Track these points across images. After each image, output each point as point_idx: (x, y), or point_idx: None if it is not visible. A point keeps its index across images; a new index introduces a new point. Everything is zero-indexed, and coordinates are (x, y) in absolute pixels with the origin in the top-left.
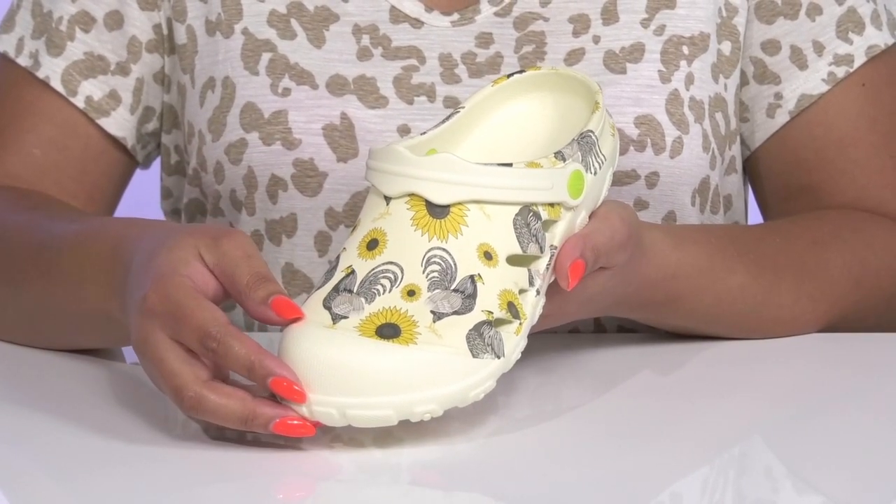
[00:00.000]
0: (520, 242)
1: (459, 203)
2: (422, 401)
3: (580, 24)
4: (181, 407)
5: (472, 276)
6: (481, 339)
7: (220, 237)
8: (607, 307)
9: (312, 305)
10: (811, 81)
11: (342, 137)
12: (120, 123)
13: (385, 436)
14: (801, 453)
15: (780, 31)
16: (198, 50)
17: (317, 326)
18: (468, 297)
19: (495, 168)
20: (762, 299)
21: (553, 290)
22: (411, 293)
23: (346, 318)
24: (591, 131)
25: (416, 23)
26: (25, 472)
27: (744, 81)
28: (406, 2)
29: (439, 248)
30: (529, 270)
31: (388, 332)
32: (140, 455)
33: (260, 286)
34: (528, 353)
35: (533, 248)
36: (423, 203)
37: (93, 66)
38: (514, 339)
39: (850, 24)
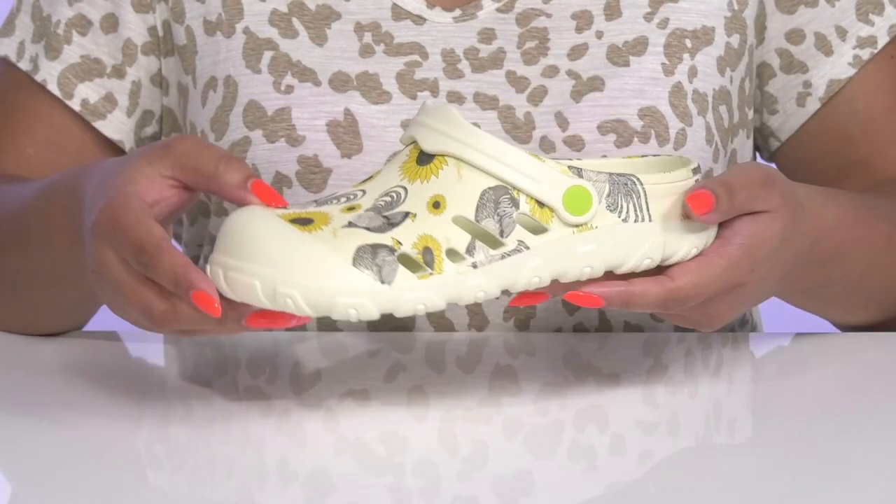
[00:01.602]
0: (476, 211)
1: (442, 154)
2: (285, 282)
3: (583, 19)
4: (152, 321)
5: (407, 213)
6: (372, 256)
7: (170, 141)
8: (788, 273)
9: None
10: (838, 66)
11: (346, 133)
12: (116, 126)
13: (390, 435)
14: (798, 454)
15: (803, 20)
16: (197, 50)
17: (258, 206)
18: (390, 224)
19: (485, 134)
20: None
21: (726, 261)
22: (351, 209)
23: (286, 209)
24: (638, 178)
25: (419, 19)
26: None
27: (770, 74)
28: None
29: (401, 186)
30: (475, 241)
31: (300, 221)
32: (137, 452)
33: (233, 167)
34: (532, 352)
35: (489, 224)
36: (418, 151)
37: (89, 69)
38: (412, 281)
39: (869, 5)
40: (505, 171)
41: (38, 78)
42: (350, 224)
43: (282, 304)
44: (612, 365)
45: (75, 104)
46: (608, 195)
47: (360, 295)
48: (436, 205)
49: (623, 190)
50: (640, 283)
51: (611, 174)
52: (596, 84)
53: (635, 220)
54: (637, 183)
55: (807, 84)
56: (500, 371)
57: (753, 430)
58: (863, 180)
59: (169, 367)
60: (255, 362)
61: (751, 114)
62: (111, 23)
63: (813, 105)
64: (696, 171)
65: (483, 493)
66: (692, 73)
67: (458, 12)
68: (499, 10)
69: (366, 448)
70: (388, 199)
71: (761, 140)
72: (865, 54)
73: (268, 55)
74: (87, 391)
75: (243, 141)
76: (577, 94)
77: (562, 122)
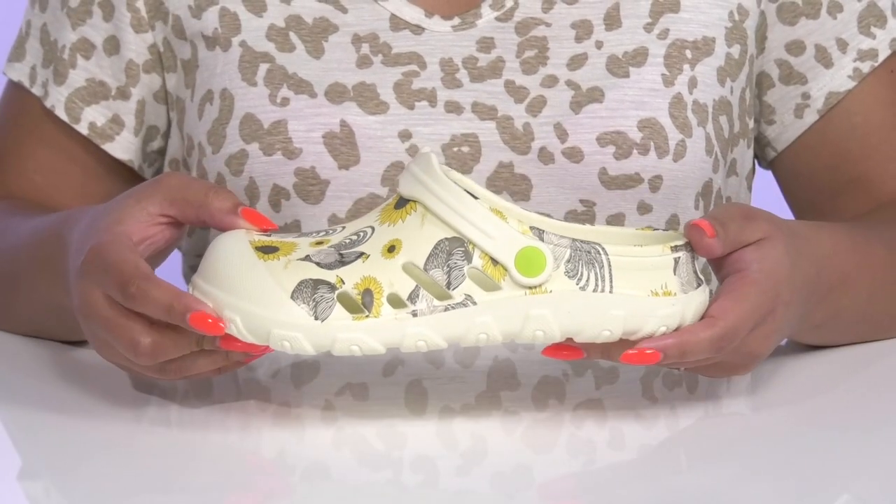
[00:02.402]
0: (427, 259)
1: (413, 200)
2: (231, 306)
3: (582, 29)
4: (139, 354)
5: (361, 253)
6: (311, 291)
7: (158, 178)
8: (804, 303)
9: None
10: (837, 79)
11: (342, 145)
12: (125, 147)
13: (388, 429)
14: (796, 449)
15: (804, 32)
16: (198, 64)
17: (239, 230)
18: (340, 262)
19: (452, 185)
20: None
21: (738, 286)
22: (320, 243)
23: (265, 235)
24: (603, 248)
25: (417, 29)
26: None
27: (769, 84)
28: (406, 8)
29: (370, 226)
30: (419, 289)
31: (265, 249)
32: (136, 444)
33: (221, 195)
34: (530, 346)
35: (437, 275)
36: (398, 197)
37: (94, 92)
38: (346, 321)
39: (871, 18)
40: (460, 223)
41: (48, 104)
42: (307, 257)
43: (227, 326)
44: None
45: (83, 128)
46: (568, 260)
47: (294, 328)
48: (391, 248)
49: (585, 257)
50: (688, 331)
51: (574, 239)
52: (595, 95)
53: (595, 290)
54: (601, 252)
55: (805, 95)
56: (499, 366)
57: (751, 425)
58: (861, 196)
59: None
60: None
61: (751, 123)
62: (113, 45)
63: (811, 117)
64: (677, 248)
65: (482, 488)
66: (692, 83)
67: (457, 21)
68: (498, 18)
69: (364, 442)
70: (354, 237)
71: (759, 149)
72: (866, 67)
73: (263, 68)
74: (85, 384)
75: (240, 154)
76: (576, 105)
77: (561, 133)
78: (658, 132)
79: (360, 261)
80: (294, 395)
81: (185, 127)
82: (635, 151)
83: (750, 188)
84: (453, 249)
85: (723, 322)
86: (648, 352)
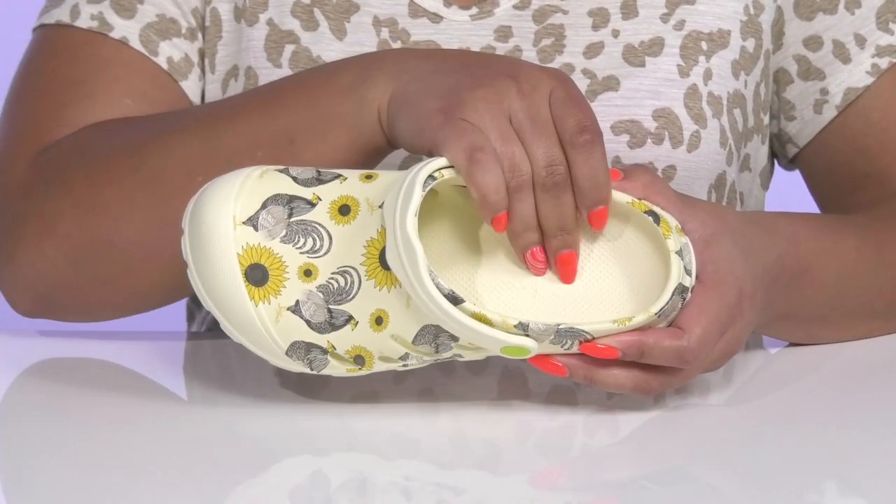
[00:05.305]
0: (416, 337)
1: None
2: (229, 331)
3: (599, 17)
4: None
5: (350, 317)
6: (304, 352)
7: None
8: (768, 292)
9: (265, 183)
10: (856, 75)
11: None
12: (192, 89)
13: (400, 437)
14: (811, 457)
15: (821, 27)
16: (222, 35)
17: (227, 216)
18: (330, 325)
19: (435, 294)
20: (877, 260)
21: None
22: (308, 273)
23: (253, 229)
24: (588, 332)
25: (435, 17)
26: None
27: (788, 80)
28: None
29: (356, 271)
30: (409, 354)
31: (255, 274)
32: (146, 458)
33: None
34: None
35: (426, 348)
36: (383, 245)
37: (167, 28)
38: (342, 371)
39: (889, 14)
40: (446, 326)
41: (116, 35)
42: (296, 305)
43: (224, 332)
44: None
45: (161, 61)
46: (552, 340)
47: (293, 372)
48: (378, 320)
49: (570, 336)
50: (653, 335)
51: (559, 329)
52: (611, 84)
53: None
54: (586, 334)
55: (824, 91)
56: (509, 373)
57: (765, 435)
58: (878, 192)
59: (177, 371)
60: (264, 364)
61: (766, 119)
62: None
63: (830, 112)
64: (662, 308)
65: (495, 496)
66: (707, 75)
67: (474, 10)
68: (516, 6)
69: (376, 450)
70: (342, 280)
71: (779, 146)
72: (884, 63)
73: (289, 49)
74: (94, 399)
75: None
76: (591, 94)
77: None
78: (673, 122)
79: (349, 327)
80: (305, 404)
81: (206, 99)
82: (649, 141)
83: (765, 186)
84: (440, 333)
85: (688, 335)
86: (611, 347)
